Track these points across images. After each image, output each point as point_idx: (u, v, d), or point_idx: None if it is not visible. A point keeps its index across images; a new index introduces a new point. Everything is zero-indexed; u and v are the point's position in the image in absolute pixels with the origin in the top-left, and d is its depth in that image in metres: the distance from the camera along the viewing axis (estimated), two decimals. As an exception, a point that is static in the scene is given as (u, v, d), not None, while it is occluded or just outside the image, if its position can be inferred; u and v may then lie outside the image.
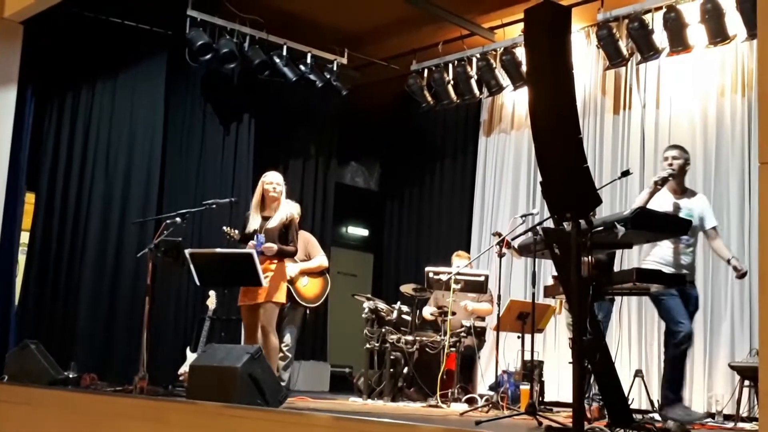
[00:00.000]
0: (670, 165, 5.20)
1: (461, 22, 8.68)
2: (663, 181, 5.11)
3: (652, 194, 5.11)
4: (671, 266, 5.23)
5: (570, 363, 3.36)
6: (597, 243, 4.05)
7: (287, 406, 5.06)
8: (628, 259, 7.39)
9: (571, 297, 3.77)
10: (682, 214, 5.13)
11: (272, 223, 6.09)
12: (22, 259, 8.00)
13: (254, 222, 6.16)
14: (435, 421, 4.06)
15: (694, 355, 7.41)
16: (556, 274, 5.46)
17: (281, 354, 6.95)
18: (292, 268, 6.94)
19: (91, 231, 8.13)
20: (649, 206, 5.08)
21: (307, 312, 7.53)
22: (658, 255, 5.37)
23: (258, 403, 4.67)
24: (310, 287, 7.29)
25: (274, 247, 5.97)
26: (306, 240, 7.39)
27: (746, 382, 6.05)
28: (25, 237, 8.07)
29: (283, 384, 6.81)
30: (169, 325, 8.47)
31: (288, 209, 6.20)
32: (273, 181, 6.23)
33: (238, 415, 4.15)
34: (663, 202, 5.21)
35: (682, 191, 5.35)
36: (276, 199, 6.19)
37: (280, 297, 6.06)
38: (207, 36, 8.40)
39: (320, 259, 7.40)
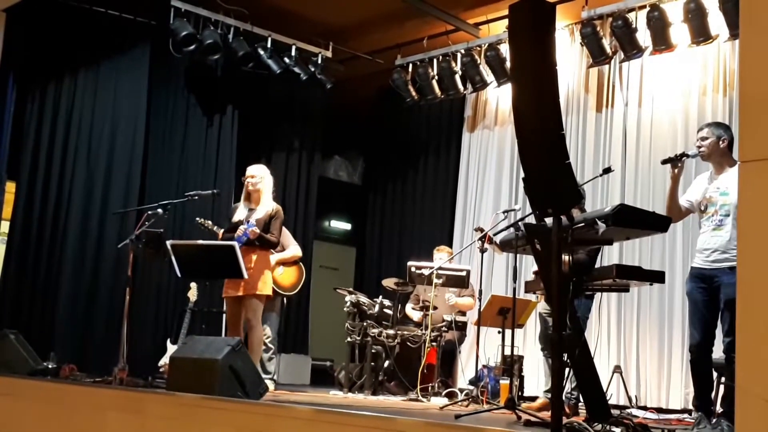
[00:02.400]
0: (699, 147, 4.73)
1: (446, 17, 8.69)
2: (668, 161, 4.73)
3: (673, 179, 4.78)
4: (702, 252, 4.70)
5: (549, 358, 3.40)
6: (578, 239, 4.08)
7: (267, 398, 5.07)
8: (608, 255, 7.48)
9: (552, 293, 3.80)
10: (718, 194, 4.65)
11: (258, 215, 6.10)
12: (1, 248, 7.97)
13: (240, 213, 6.20)
14: (415, 415, 4.07)
15: (672, 351, 7.49)
16: (536, 269, 5.49)
17: (264, 346, 6.98)
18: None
19: (72, 221, 8.08)
20: (684, 195, 4.82)
21: (284, 300, 7.55)
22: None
23: (238, 395, 4.68)
24: (285, 276, 7.31)
25: (257, 229, 5.96)
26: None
27: (723, 379, 6.08)
28: (5, 226, 8.02)
29: (269, 376, 6.82)
30: (149, 317, 8.45)
31: (274, 203, 6.23)
32: (248, 174, 6.30)
33: (217, 407, 4.15)
34: (697, 189, 4.81)
35: (724, 170, 4.69)
36: (256, 192, 6.20)
37: (264, 289, 6.05)
38: (191, 27, 8.36)
39: (294, 249, 7.40)
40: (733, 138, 4.72)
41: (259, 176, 6.27)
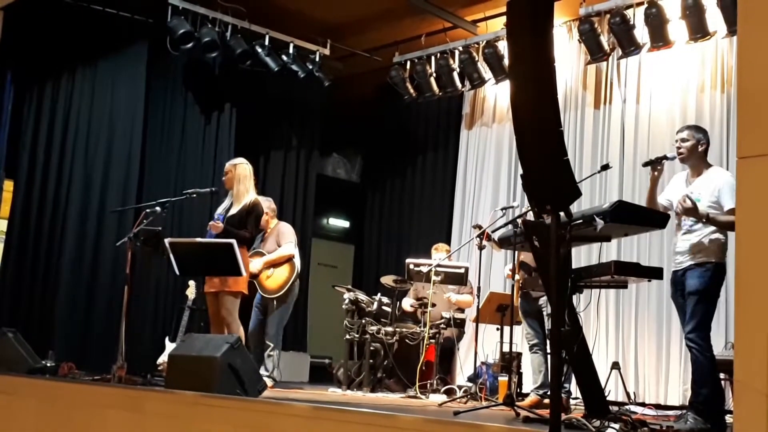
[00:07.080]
0: (678, 148, 4.74)
1: (444, 14, 8.68)
2: (649, 164, 4.79)
3: (652, 181, 4.82)
4: (674, 254, 4.81)
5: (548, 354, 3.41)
6: (576, 236, 4.08)
7: (266, 395, 5.07)
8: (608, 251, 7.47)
9: (550, 289, 3.80)
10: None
11: (233, 210, 6.10)
12: (0, 246, 7.95)
13: (222, 205, 6.27)
14: (414, 412, 4.07)
15: (670, 348, 7.49)
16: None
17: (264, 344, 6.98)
18: (256, 263, 6.92)
19: (70, 219, 8.08)
20: (663, 193, 4.86)
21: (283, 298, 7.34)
22: None
23: (237, 392, 4.67)
24: (273, 279, 7.08)
25: (220, 225, 5.94)
26: (278, 230, 7.28)
27: (721, 375, 6.09)
28: (3, 225, 8.02)
29: (266, 373, 6.78)
30: (148, 315, 8.45)
31: (252, 196, 6.18)
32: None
33: (216, 404, 4.15)
34: (675, 189, 4.84)
35: (699, 173, 4.71)
36: (230, 186, 6.22)
37: (236, 286, 5.95)
38: (188, 24, 8.35)
39: (285, 249, 7.13)
40: (709, 143, 4.77)
41: (227, 170, 6.29)
